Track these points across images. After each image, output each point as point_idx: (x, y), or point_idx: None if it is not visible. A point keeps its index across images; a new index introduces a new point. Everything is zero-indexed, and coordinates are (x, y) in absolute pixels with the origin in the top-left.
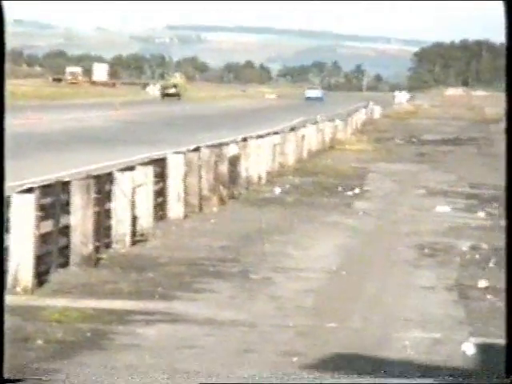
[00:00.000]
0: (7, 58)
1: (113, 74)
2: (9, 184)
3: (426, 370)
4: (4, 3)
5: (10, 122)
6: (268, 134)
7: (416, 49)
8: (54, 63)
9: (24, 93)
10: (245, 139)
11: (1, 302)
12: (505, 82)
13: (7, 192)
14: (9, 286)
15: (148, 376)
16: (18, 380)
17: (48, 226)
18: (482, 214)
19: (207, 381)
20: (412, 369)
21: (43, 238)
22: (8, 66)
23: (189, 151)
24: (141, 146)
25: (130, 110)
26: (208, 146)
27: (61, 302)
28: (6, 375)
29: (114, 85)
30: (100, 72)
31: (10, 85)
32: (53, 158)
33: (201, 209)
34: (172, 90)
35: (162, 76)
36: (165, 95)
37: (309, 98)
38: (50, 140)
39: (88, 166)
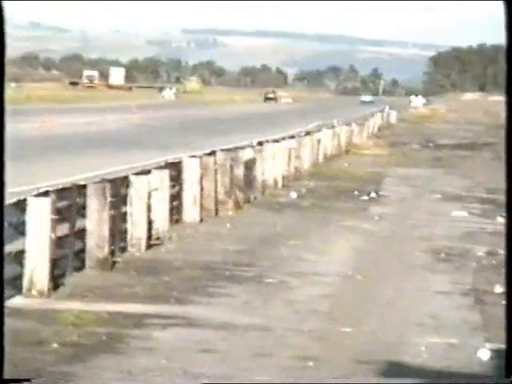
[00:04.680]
0: (24, 61)
1: (129, 77)
2: (24, 188)
3: (441, 376)
4: (4, 3)
5: (26, 125)
6: (283, 139)
7: (432, 53)
8: (71, 67)
9: (40, 96)
10: (260, 143)
11: (1, 303)
12: (505, 83)
13: (24, 195)
14: (24, 289)
15: (164, 380)
16: (18, 380)
17: (64, 229)
18: (498, 219)
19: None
20: (427, 374)
21: (59, 242)
22: (25, 70)
23: (204, 155)
24: (156, 151)
25: (146, 113)
26: (223, 150)
27: (76, 306)
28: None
29: (130, 88)
30: (116, 76)
31: (26, 88)
32: (68, 162)
33: (216, 213)
34: (271, 95)
35: (178, 80)
36: (266, 99)
37: (363, 102)
38: (65, 143)
39: (104, 169)
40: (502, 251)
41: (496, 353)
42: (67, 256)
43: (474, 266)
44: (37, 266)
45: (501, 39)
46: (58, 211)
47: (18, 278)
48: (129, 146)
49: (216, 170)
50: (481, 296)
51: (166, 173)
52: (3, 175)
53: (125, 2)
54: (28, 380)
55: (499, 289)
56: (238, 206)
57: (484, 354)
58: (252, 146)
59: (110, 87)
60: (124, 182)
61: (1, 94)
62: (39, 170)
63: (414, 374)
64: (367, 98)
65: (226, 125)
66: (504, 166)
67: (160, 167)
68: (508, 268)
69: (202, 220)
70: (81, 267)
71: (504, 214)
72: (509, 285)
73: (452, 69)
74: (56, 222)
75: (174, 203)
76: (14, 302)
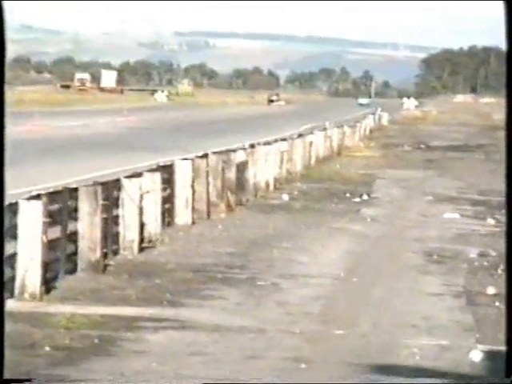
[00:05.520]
0: (15, 64)
1: (121, 80)
2: (17, 191)
3: (433, 377)
4: (4, 3)
5: (17, 128)
6: (276, 141)
7: (424, 55)
8: (63, 70)
9: (32, 99)
10: (252, 146)
11: (1, 304)
12: (506, 83)
13: (16, 198)
14: (16, 292)
15: (156, 382)
16: (18, 381)
17: (56, 232)
18: (490, 221)
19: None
20: (420, 376)
21: (51, 245)
22: (16, 73)
23: (196, 157)
24: (149, 153)
25: (138, 116)
26: (215, 153)
27: (68, 309)
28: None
29: (121, 91)
30: (108, 78)
31: (18, 91)
32: (60, 165)
33: (208, 215)
34: (275, 97)
35: (170, 82)
36: (270, 101)
37: (361, 104)
38: (57, 146)
39: (97, 172)
40: (493, 253)
41: (488, 354)
42: (59, 259)
43: (465, 268)
44: (29, 269)
45: (491, 41)
46: (49, 214)
47: (10, 281)
48: (122, 149)
49: (208, 173)
50: (473, 297)
51: (157, 175)
52: (3, 177)
53: (116, 5)
54: (28, 380)
55: (491, 290)
56: (229, 208)
57: (476, 356)
58: (244, 149)
59: (102, 90)
60: (116, 184)
61: (1, 96)
62: (30, 173)
63: (406, 376)
64: (364, 100)
65: (218, 127)
66: (495, 168)
67: (152, 170)
68: (508, 269)
69: (194, 222)
70: (73, 270)
71: (495, 216)
72: (509, 286)
73: (443, 71)
74: (48, 225)
75: (166, 206)
76: (6, 305)
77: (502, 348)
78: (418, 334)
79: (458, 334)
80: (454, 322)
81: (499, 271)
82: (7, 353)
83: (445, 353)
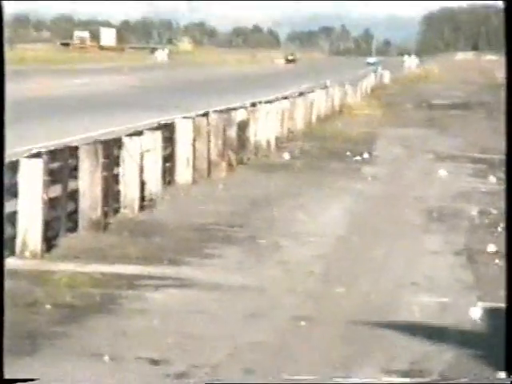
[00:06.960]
0: (15, 22)
1: (120, 38)
2: (19, 149)
3: (433, 334)
4: (4, 3)
5: (19, 86)
6: (277, 99)
7: (424, 13)
8: (62, 28)
9: (32, 57)
10: (253, 104)
11: (1, 304)
12: (505, 80)
13: (17, 157)
14: (17, 251)
15: (157, 340)
16: (19, 380)
17: (56, 190)
18: (491, 179)
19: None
20: (419, 333)
21: (51, 203)
22: (16, 31)
23: (197, 116)
24: (151, 111)
25: (140, 74)
26: (216, 111)
27: (69, 267)
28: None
29: (122, 49)
30: (108, 37)
31: (17, 49)
32: (62, 123)
33: (209, 174)
34: (291, 57)
35: (169, 41)
36: (286, 61)
37: (369, 63)
38: (59, 105)
39: (99, 130)
40: (494, 210)
41: (488, 311)
42: (60, 217)
43: (466, 226)
44: (29, 228)
45: None
46: (50, 172)
47: (11, 239)
48: (123, 108)
49: (209, 131)
50: (473, 255)
51: (158, 134)
52: (3, 151)
53: None
54: (29, 380)
55: (492, 247)
56: (230, 167)
57: (476, 313)
58: (245, 107)
59: (102, 48)
60: (116, 143)
61: (1, 94)
62: (32, 132)
63: (406, 333)
64: (372, 59)
65: (219, 85)
66: (497, 126)
67: (153, 128)
68: (508, 272)
69: (194, 181)
70: (74, 228)
71: (496, 175)
72: (509, 283)
73: (444, 28)
74: (48, 184)
75: (167, 164)
76: (7, 263)
77: (503, 305)
78: (419, 291)
79: (458, 292)
80: (455, 279)
81: (499, 229)
82: (10, 311)
83: (445, 310)
